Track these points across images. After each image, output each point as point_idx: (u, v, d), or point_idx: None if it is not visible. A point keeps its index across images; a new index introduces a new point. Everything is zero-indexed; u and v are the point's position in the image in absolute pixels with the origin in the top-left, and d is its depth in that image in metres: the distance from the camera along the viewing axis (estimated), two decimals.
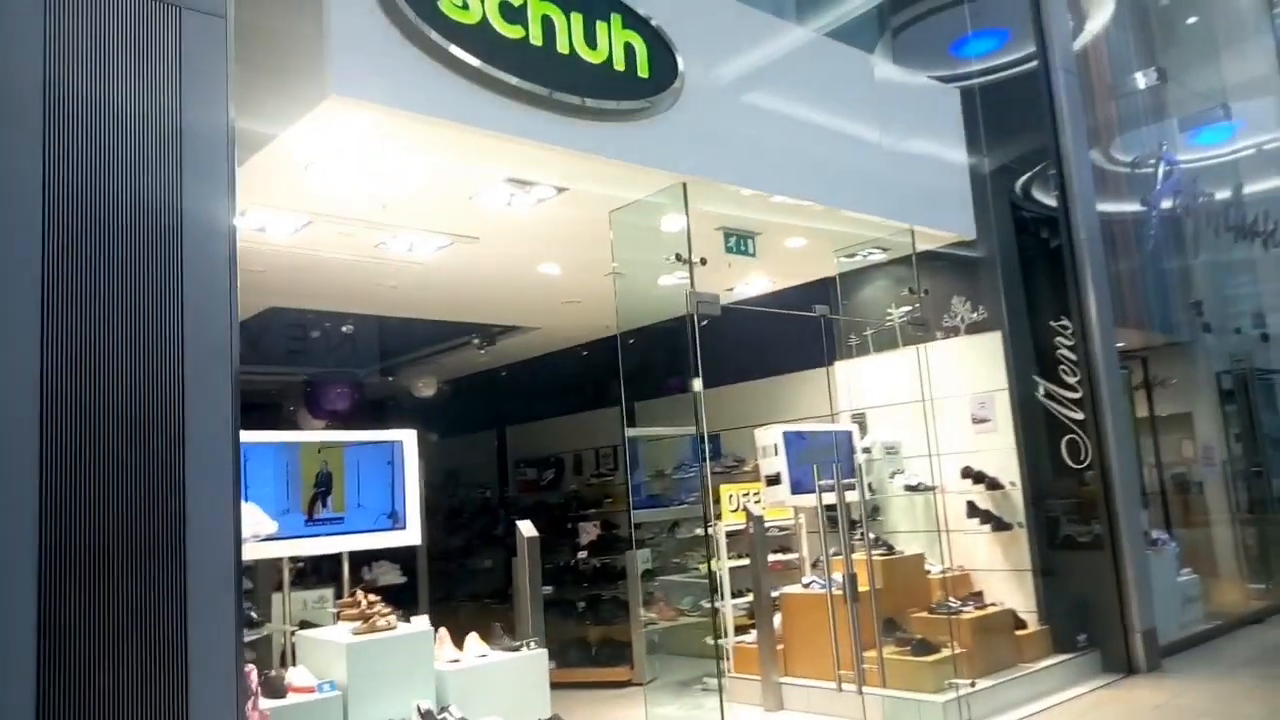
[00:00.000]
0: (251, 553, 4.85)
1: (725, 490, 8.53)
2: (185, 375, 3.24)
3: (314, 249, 5.94)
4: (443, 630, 5.39)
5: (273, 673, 4.63)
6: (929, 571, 7.95)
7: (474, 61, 4.35)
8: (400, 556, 10.01)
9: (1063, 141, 8.07)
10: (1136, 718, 6.47)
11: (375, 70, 4.11)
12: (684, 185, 5.27)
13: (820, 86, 6.28)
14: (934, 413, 8.28)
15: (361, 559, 9.61)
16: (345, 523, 5.58)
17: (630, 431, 7.25)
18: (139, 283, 3.16)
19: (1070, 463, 7.89)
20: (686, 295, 5.20)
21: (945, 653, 6.71)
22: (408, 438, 5.80)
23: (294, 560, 6.41)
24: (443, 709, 4.66)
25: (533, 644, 5.40)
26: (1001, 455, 7.95)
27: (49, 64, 3.07)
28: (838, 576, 7.70)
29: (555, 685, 7.45)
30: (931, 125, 7.26)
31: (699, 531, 9.06)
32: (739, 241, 6.30)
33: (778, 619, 7.48)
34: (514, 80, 4.47)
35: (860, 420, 8.86)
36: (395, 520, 5.73)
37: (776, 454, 7.88)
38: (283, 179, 4.84)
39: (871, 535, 8.19)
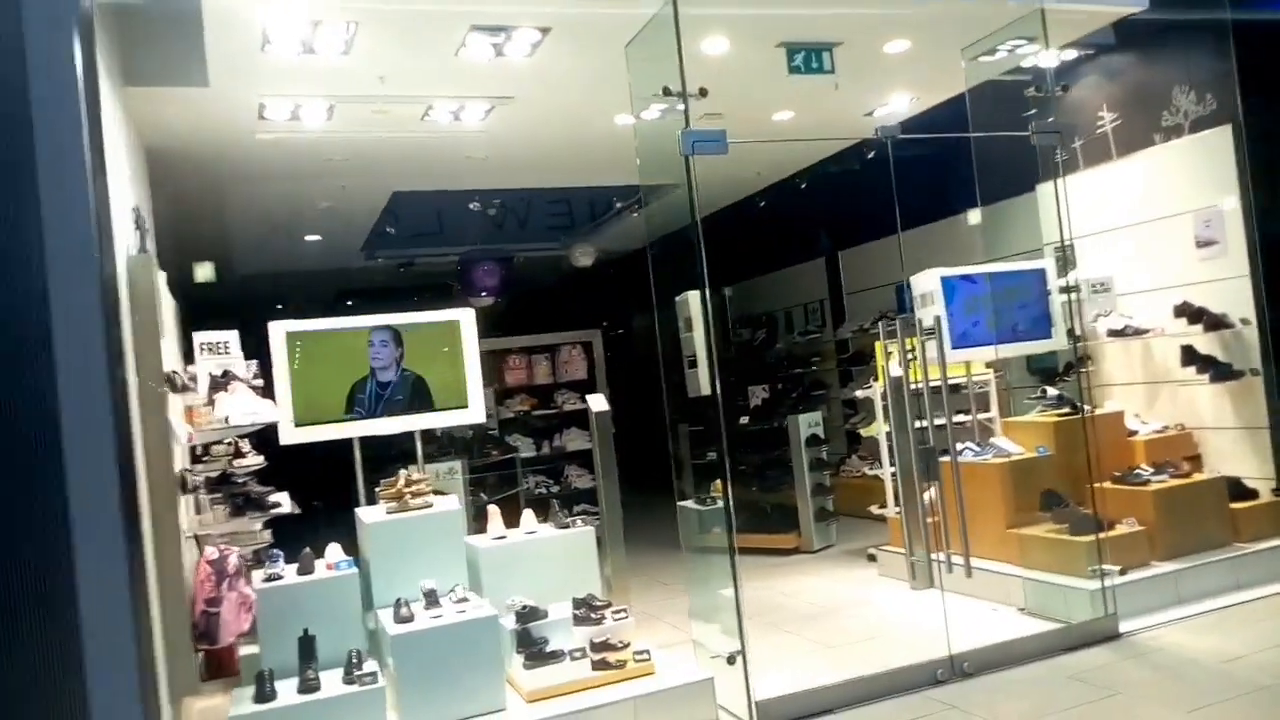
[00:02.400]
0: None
1: (880, 347, 7.58)
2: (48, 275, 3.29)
3: (367, 129, 5.88)
4: (493, 508, 5.35)
5: (306, 551, 4.85)
6: (1134, 432, 6.58)
7: None
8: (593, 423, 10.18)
9: None
10: None
11: None
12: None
13: None
14: (1150, 238, 6.69)
15: (556, 426, 9.92)
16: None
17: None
18: None
19: None
20: (680, 136, 4.44)
21: (1113, 532, 5.55)
22: (466, 317, 5.68)
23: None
24: (452, 588, 4.63)
25: (580, 521, 5.19)
26: (1232, 286, 6.24)
27: None
28: (1001, 442, 6.65)
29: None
30: None
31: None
32: (808, 58, 5.26)
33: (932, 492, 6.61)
34: None
35: (1063, 254, 7.36)
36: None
37: (933, 303, 6.81)
38: (252, 64, 4.74)
39: (1055, 393, 6.91)
